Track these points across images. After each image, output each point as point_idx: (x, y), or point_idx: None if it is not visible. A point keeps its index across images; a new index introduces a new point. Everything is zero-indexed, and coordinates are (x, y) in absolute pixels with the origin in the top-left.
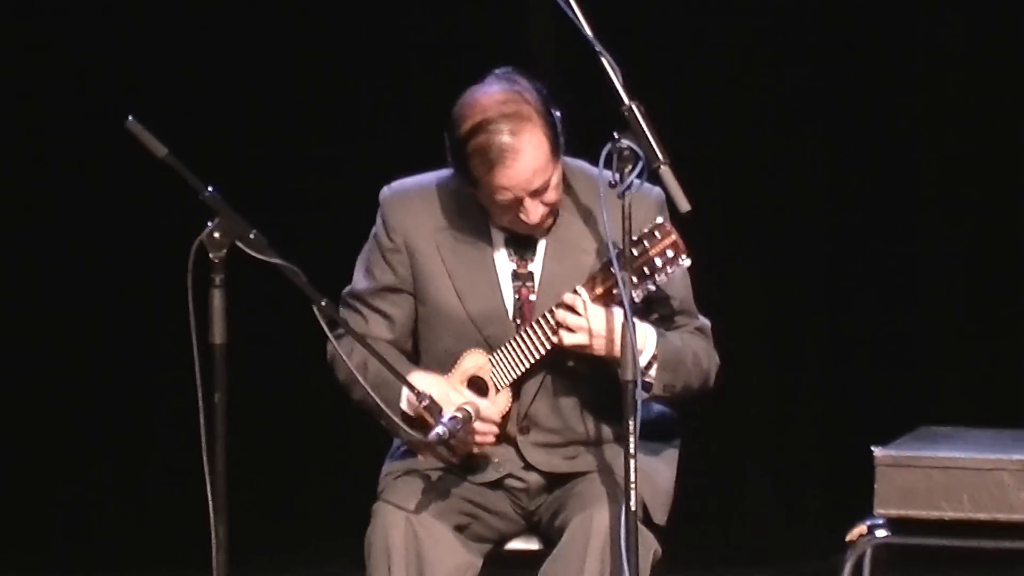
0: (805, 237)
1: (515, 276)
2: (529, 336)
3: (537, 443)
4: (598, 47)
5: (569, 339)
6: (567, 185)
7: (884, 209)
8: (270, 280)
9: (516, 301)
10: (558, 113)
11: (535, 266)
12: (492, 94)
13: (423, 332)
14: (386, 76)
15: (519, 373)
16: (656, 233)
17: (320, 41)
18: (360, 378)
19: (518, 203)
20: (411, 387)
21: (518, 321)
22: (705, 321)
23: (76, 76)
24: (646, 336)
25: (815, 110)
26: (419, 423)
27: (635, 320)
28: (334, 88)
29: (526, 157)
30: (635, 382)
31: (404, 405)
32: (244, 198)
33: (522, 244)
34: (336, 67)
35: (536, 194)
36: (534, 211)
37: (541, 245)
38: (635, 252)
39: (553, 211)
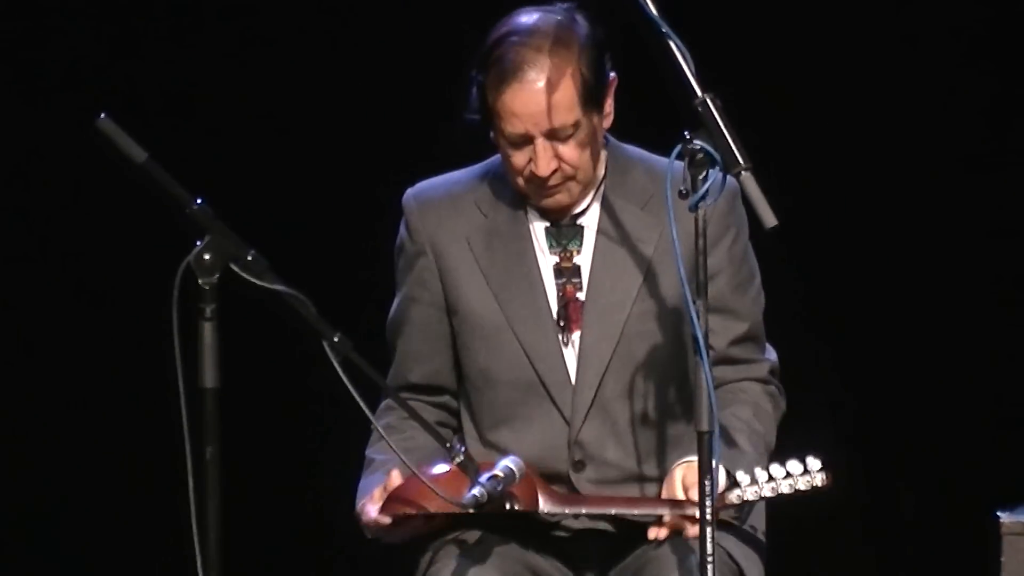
0: None
1: (558, 271)
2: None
3: (594, 480)
4: (665, 28)
5: None
6: (622, 171)
7: None
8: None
9: (560, 299)
10: (609, 67)
11: (582, 259)
12: (531, 13)
13: (460, 354)
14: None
15: None
16: (804, 481)
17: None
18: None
19: (529, 143)
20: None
21: (562, 323)
22: (771, 358)
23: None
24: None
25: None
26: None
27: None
28: (349, 80)
29: (546, 81)
30: (711, 432)
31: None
32: (239, 213)
33: (566, 235)
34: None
35: (552, 136)
36: (545, 158)
37: (589, 235)
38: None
39: (572, 178)
